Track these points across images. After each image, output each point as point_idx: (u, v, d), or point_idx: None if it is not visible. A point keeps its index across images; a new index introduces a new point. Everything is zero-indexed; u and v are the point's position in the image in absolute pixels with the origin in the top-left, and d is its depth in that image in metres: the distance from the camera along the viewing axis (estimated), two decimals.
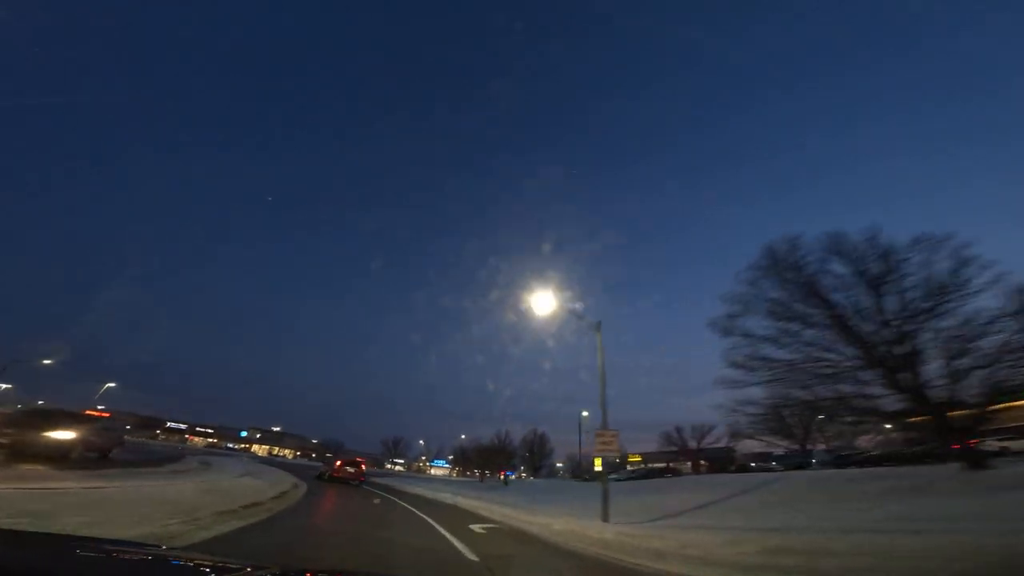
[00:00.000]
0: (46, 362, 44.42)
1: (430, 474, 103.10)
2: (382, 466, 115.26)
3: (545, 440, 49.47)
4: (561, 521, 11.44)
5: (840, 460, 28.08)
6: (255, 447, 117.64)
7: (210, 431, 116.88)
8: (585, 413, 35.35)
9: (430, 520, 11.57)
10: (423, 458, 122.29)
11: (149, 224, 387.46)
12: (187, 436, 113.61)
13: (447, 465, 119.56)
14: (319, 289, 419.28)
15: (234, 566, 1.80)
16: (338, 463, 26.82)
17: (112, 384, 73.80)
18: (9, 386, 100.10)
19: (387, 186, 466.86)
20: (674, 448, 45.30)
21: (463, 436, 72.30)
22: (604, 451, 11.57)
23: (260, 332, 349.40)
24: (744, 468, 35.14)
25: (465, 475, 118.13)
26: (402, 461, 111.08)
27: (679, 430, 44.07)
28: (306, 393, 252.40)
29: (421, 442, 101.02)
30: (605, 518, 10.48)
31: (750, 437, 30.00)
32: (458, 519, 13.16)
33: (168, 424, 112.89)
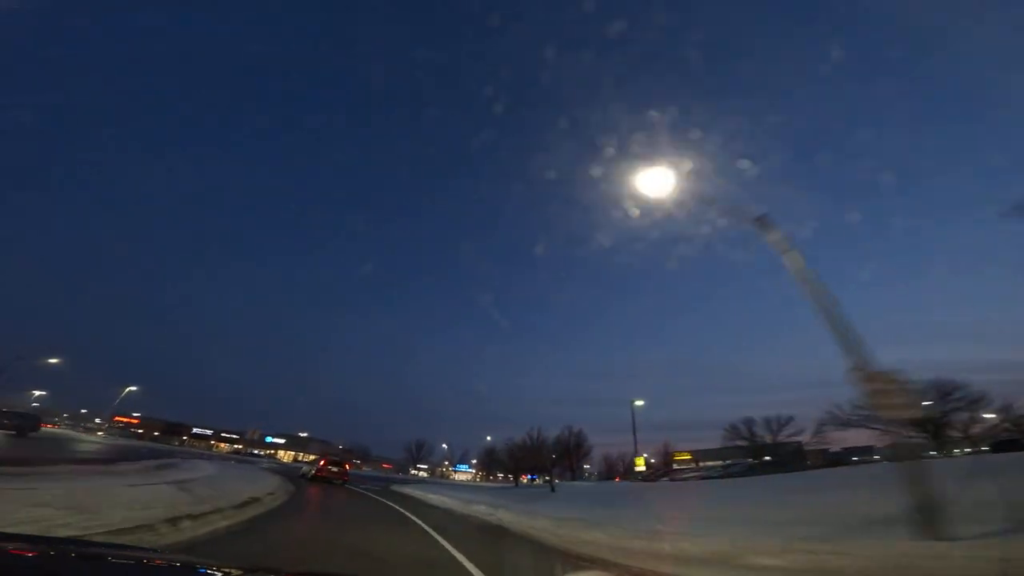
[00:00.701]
0: (52, 361, 40.29)
1: (454, 479, 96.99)
2: (406, 472, 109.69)
3: (582, 439, 42.60)
4: (783, 548, 5.19)
5: (1004, 444, 21.07)
6: (281, 453, 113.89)
7: (235, 436, 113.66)
8: (639, 402, 28.34)
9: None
10: (446, 463, 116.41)
11: (183, 236, 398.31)
12: (213, 442, 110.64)
13: (470, 470, 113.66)
14: (346, 296, 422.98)
15: (227, 568, 1.80)
16: (322, 462, 26.14)
17: (133, 388, 70.69)
18: (44, 392, 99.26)
19: (412, 189, 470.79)
20: (742, 443, 38.06)
21: (488, 438, 65.99)
22: (887, 407, 5.02)
23: (289, 339, 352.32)
24: (839, 462, 27.88)
25: (488, 479, 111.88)
26: (425, 467, 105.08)
27: (750, 423, 36.98)
28: (335, 399, 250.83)
29: (444, 446, 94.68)
30: (937, 531, 4.15)
31: (858, 426, 23.17)
32: (530, 561, 7.08)
33: (194, 430, 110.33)
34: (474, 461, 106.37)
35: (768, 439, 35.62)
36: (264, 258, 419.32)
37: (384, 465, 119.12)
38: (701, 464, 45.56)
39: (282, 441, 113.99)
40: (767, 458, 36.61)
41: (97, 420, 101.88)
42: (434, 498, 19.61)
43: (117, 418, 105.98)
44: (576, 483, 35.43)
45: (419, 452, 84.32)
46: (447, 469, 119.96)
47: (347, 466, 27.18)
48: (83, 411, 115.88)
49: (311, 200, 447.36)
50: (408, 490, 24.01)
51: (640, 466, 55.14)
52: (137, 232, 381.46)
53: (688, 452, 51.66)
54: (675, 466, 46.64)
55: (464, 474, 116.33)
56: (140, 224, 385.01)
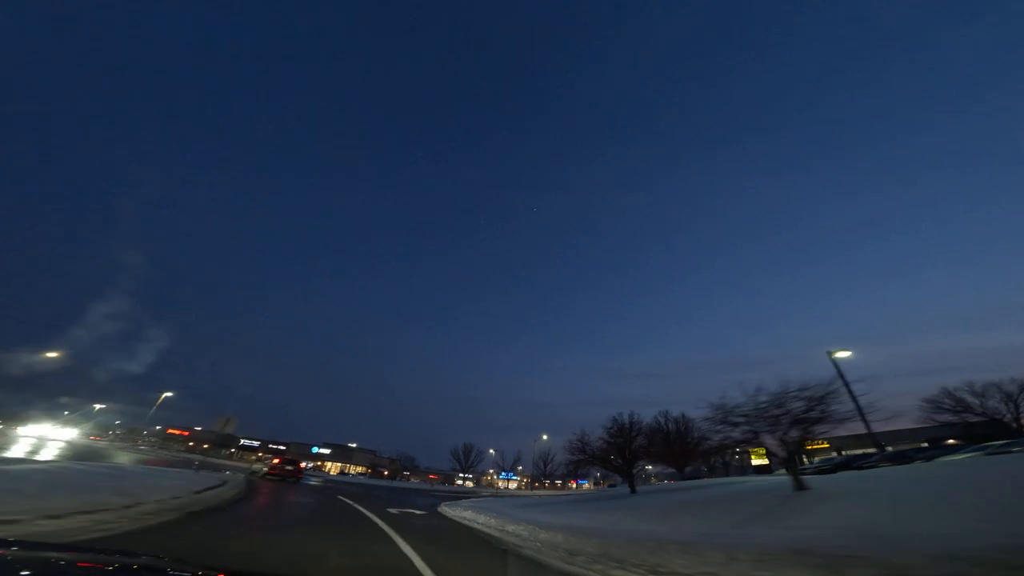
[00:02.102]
0: (50, 355, 33.41)
1: (504, 488, 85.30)
2: (451, 482, 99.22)
3: (689, 426, 29.93)
4: None
5: None
6: (328, 465, 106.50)
7: (282, 448, 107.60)
8: (844, 353, 16.14)
9: None
10: (491, 471, 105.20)
11: (241, 257, 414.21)
12: (260, 454, 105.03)
13: (515, 478, 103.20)
14: (396, 312, 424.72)
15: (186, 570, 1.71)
16: (276, 461, 26.44)
17: (169, 394, 64.79)
18: (104, 406, 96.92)
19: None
20: (953, 420, 25.07)
21: (544, 437, 54.65)
22: None
23: (341, 354, 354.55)
24: None
25: (536, 487, 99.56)
26: (470, 476, 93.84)
27: (977, 395, 23.84)
28: (383, 411, 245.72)
29: (492, 451, 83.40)
30: None
31: None
32: None
33: (242, 442, 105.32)
34: (520, 468, 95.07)
35: (1006, 416, 22.72)
36: (318, 277, 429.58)
37: (431, 476, 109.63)
38: (843, 452, 32.90)
39: (327, 452, 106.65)
40: (951, 440, 23.58)
41: (145, 433, 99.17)
42: (525, 534, 9.15)
43: (171, 431, 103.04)
44: (692, 482, 23.70)
45: (467, 459, 73.24)
46: (493, 477, 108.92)
47: (301, 465, 27.25)
48: (157, 427, 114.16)
49: (360, 218, 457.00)
50: (469, 515, 13.65)
51: (760, 459, 41.28)
52: (199, 253, 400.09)
53: (826, 441, 38.66)
54: (809, 458, 33.53)
55: (511, 482, 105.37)
56: (201, 245, 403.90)
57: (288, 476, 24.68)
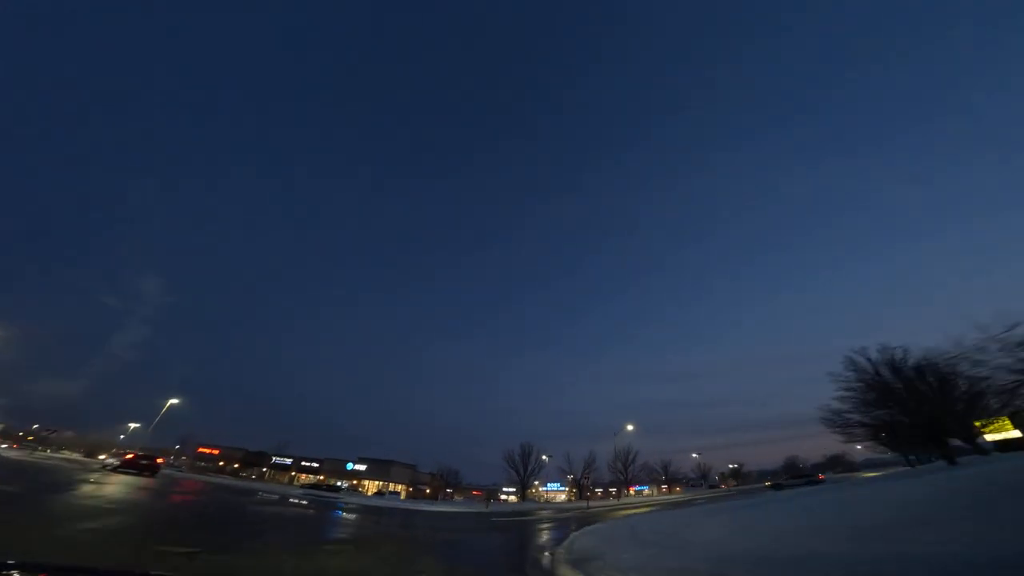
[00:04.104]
0: None
1: (569, 501, 70.18)
2: (496, 498, 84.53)
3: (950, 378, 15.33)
4: None
5: None
6: (366, 483, 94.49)
7: (315, 465, 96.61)
8: None
9: None
10: (536, 483, 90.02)
11: (273, 270, 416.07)
12: (294, 472, 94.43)
13: (563, 488, 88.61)
14: (434, 323, 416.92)
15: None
16: (130, 456, 27.92)
17: (175, 401, 54.69)
18: (137, 425, 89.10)
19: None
20: None
21: (630, 428, 40.93)
22: None
23: (380, 366, 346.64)
24: None
25: (587, 496, 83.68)
26: (512, 490, 78.78)
27: None
28: (425, 426, 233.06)
29: (544, 458, 68.70)
30: None
31: None
32: None
33: (273, 459, 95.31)
34: (570, 477, 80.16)
35: None
36: (350, 288, 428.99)
37: (474, 492, 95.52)
38: None
39: (363, 468, 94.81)
40: None
41: (172, 455, 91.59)
42: None
43: (201, 449, 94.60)
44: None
45: (525, 463, 59.01)
46: (537, 489, 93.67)
47: (158, 460, 29.25)
48: (179, 446, 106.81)
49: (393, 229, 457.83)
50: None
51: (1000, 431, 25.53)
52: (227, 264, 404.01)
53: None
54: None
55: (558, 493, 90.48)
56: (229, 256, 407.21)
57: (144, 471, 26.61)
